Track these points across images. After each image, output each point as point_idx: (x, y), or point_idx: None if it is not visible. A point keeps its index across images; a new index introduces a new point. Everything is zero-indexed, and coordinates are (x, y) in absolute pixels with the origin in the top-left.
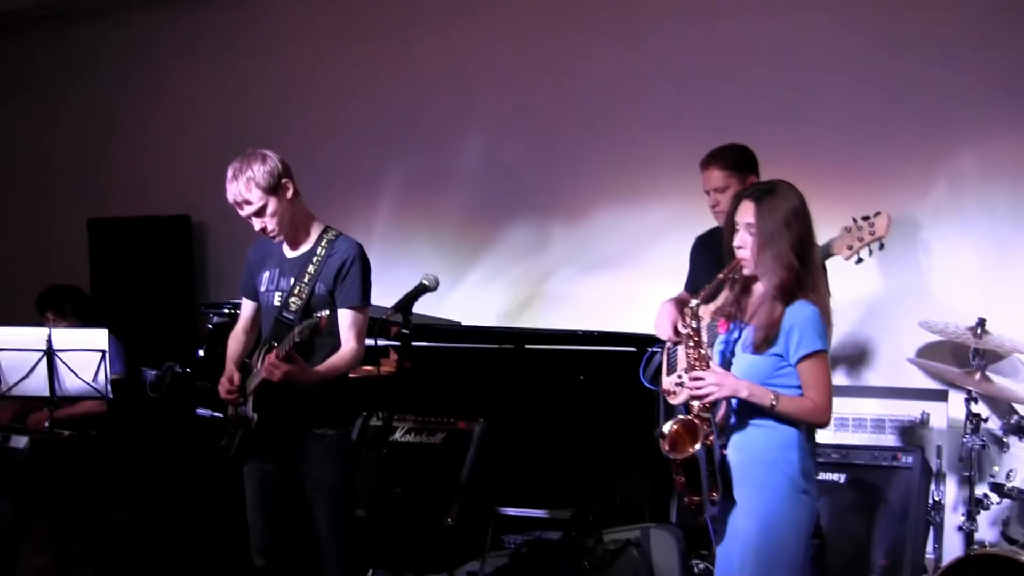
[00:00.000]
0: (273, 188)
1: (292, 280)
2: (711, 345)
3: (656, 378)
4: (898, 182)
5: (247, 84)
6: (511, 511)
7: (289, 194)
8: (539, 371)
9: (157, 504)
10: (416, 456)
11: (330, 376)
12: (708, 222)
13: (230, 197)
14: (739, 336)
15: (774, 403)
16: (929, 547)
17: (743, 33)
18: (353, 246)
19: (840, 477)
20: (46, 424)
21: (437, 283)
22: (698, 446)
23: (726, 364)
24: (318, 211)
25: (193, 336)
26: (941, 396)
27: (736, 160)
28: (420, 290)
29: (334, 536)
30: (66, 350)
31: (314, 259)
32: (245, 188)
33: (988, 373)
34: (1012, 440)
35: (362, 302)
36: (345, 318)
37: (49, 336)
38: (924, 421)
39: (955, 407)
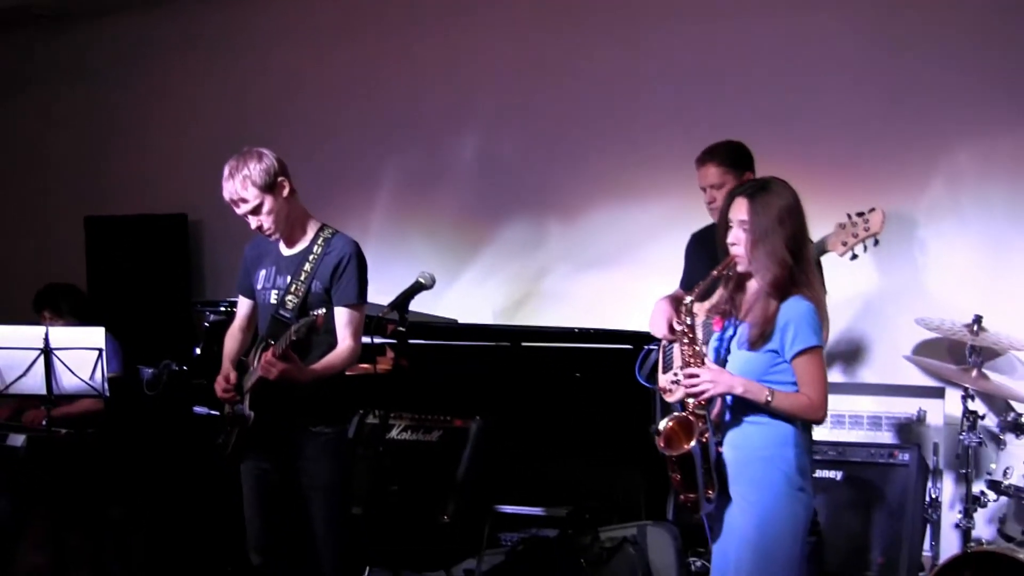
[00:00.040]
0: (269, 186)
1: (288, 278)
2: (706, 343)
3: (652, 376)
4: (896, 180)
5: (245, 83)
6: (508, 509)
7: (285, 192)
8: (536, 369)
9: (154, 502)
10: (413, 454)
11: (327, 374)
12: (704, 220)
13: (226, 195)
14: (734, 333)
15: (769, 399)
16: (926, 544)
17: (740, 32)
18: (349, 244)
19: (837, 474)
20: (43, 422)
21: (433, 281)
22: (693, 443)
23: (721, 362)
24: (315, 209)
25: (190, 334)
26: (938, 393)
27: (732, 157)
28: (416, 288)
29: (330, 534)
30: (63, 348)
31: (310, 257)
32: (241, 186)
33: (985, 370)
34: (1009, 437)
35: (358, 300)
36: (341, 316)
37: (46, 334)
38: (921, 418)
39: (952, 404)
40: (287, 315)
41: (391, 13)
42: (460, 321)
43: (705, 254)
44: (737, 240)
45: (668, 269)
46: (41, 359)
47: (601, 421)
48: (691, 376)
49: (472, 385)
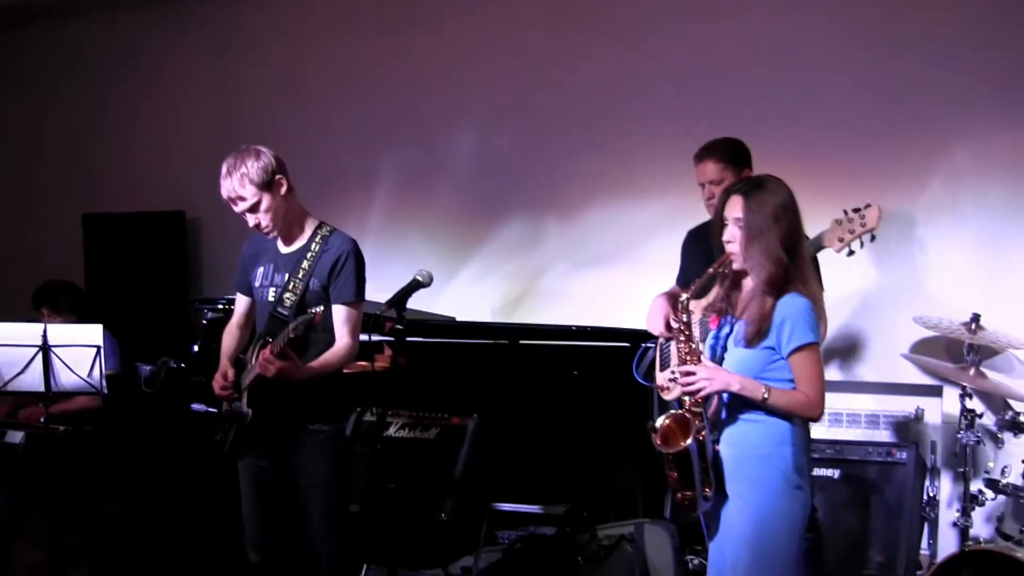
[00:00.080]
0: (267, 184)
1: (286, 276)
2: (703, 340)
3: (650, 374)
4: (895, 179)
5: (242, 80)
6: (505, 507)
7: (283, 190)
8: (533, 367)
9: (152, 499)
10: (410, 452)
11: (324, 372)
12: (702, 218)
13: (224, 193)
14: (730, 331)
15: (766, 396)
16: (924, 543)
17: (737, 31)
18: (347, 242)
19: (834, 473)
20: (41, 419)
21: (431, 279)
22: (690, 441)
23: (717, 360)
24: (312, 207)
25: (188, 332)
26: (936, 392)
27: (731, 153)
28: (414, 286)
29: (328, 531)
30: (61, 345)
31: (308, 255)
32: (239, 184)
33: (983, 369)
34: (1007, 436)
35: (356, 298)
36: (339, 314)
37: (44, 332)
38: (919, 417)
39: (950, 403)
40: (285, 313)
41: (389, 10)
42: (458, 319)
43: (701, 251)
44: (733, 238)
45: (666, 267)
46: (39, 356)
47: (599, 419)
48: (687, 374)
49: (470, 383)
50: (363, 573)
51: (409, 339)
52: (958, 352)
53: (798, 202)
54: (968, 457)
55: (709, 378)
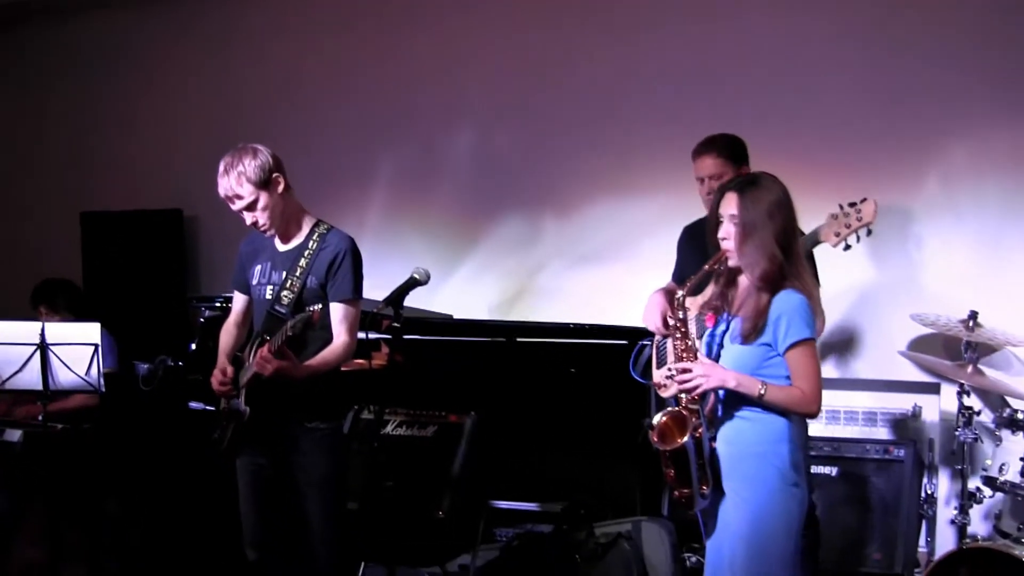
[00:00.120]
0: (264, 183)
1: (284, 274)
2: (699, 338)
3: (647, 372)
4: (892, 176)
5: (239, 78)
6: (503, 504)
7: (280, 188)
8: (530, 364)
9: (150, 497)
10: (408, 449)
11: (322, 370)
12: (699, 215)
13: (221, 192)
14: (727, 329)
15: (762, 392)
16: (921, 541)
17: (735, 29)
18: (345, 239)
19: (832, 470)
20: (39, 417)
21: (428, 277)
22: (687, 438)
23: (714, 358)
24: (310, 205)
25: (185, 330)
26: (933, 389)
27: (731, 149)
28: (411, 284)
29: (326, 529)
30: (59, 344)
31: (306, 253)
32: (236, 183)
33: (980, 366)
34: (1005, 433)
35: (354, 295)
36: (337, 311)
37: (42, 330)
38: (916, 414)
39: (947, 400)
40: (282, 311)
41: (387, 8)
42: (455, 317)
43: (697, 246)
44: (728, 234)
45: (663, 265)
46: (37, 354)
47: (596, 417)
48: (684, 371)
49: (467, 380)
50: (361, 571)
51: (406, 337)
52: (956, 349)
53: (797, 200)
54: (966, 454)
55: (706, 375)
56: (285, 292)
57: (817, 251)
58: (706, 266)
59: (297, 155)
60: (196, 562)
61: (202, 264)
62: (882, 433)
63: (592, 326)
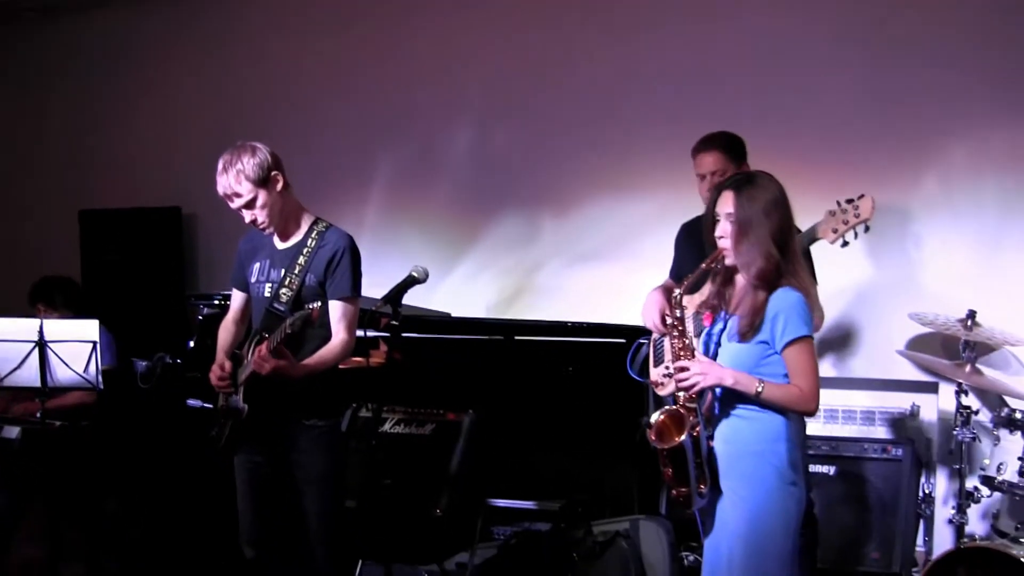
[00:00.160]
0: (263, 180)
1: (283, 271)
2: (697, 336)
3: (644, 370)
4: (890, 175)
5: (238, 76)
6: (500, 502)
7: (279, 186)
8: (529, 363)
9: (149, 494)
10: (406, 447)
11: (320, 369)
12: (698, 213)
13: (220, 189)
14: (724, 327)
15: (759, 390)
16: (919, 540)
17: (733, 28)
18: (343, 237)
19: (830, 469)
20: (37, 415)
21: (426, 275)
22: (684, 436)
23: (711, 357)
24: (309, 203)
25: (184, 327)
26: (931, 388)
27: (732, 146)
28: (410, 282)
29: (324, 527)
30: (57, 341)
31: (304, 250)
32: (235, 180)
33: (978, 365)
34: (1003, 433)
35: (352, 293)
36: (335, 309)
37: (41, 327)
38: (914, 413)
39: (945, 399)
40: (281, 308)
41: (387, 7)
42: (453, 315)
43: (695, 244)
44: (725, 233)
45: (661, 264)
46: (36, 352)
47: (594, 415)
48: (681, 369)
49: (465, 379)
50: (358, 569)
51: (405, 335)
52: (954, 349)
53: (797, 200)
54: (964, 454)
55: (703, 373)
56: (284, 290)
57: (815, 249)
58: (703, 265)
59: (296, 153)
60: (194, 559)
61: (201, 262)
62: (880, 432)
63: (590, 325)
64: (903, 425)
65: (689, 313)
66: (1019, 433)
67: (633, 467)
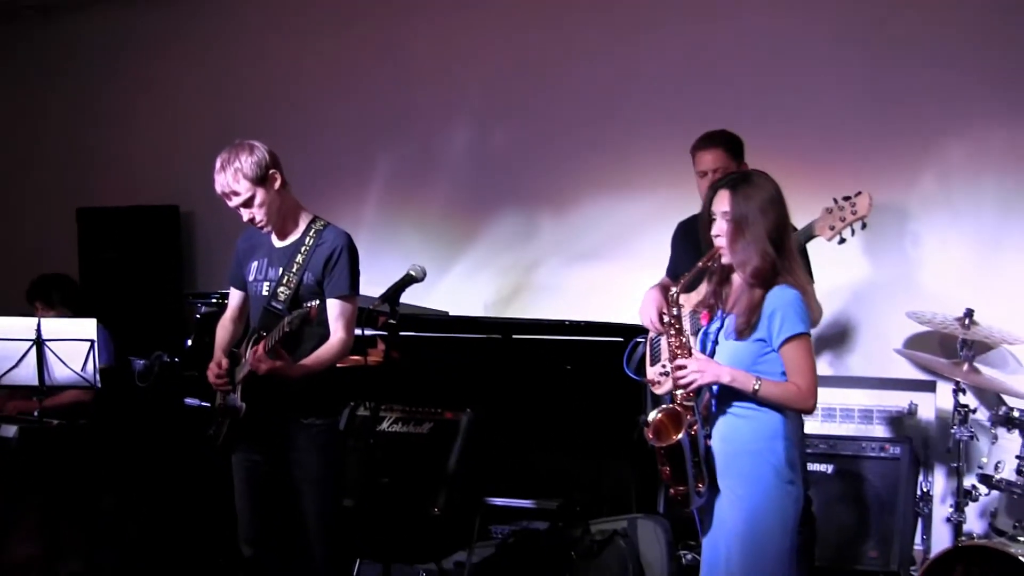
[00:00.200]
0: (261, 179)
1: (280, 270)
2: (694, 335)
3: (641, 368)
4: (889, 173)
5: (236, 74)
6: (498, 501)
7: (277, 185)
8: (526, 361)
9: (146, 493)
10: (403, 446)
11: (317, 368)
12: (695, 211)
13: (218, 188)
14: (721, 326)
15: (757, 388)
16: (917, 538)
17: (732, 27)
18: (341, 236)
19: (828, 468)
20: (34, 413)
21: (424, 274)
22: (682, 435)
23: (709, 354)
24: (307, 201)
25: (182, 326)
26: (929, 387)
27: (732, 144)
28: (407, 280)
29: (322, 526)
30: (55, 339)
31: (302, 249)
32: (233, 179)
33: (976, 364)
34: (1000, 431)
35: (350, 292)
36: (333, 308)
37: (38, 325)
38: (912, 412)
39: (943, 398)
40: (279, 307)
41: (386, 6)
42: (451, 313)
43: (691, 242)
44: (721, 231)
45: (659, 262)
46: (33, 350)
47: (592, 414)
48: (678, 367)
49: (463, 377)
50: (356, 568)
51: (402, 334)
52: (952, 347)
53: (797, 199)
54: (962, 452)
55: (700, 370)
56: (282, 288)
57: (812, 248)
58: (700, 263)
59: (295, 152)
60: (192, 558)
61: (198, 260)
62: (878, 431)
63: (588, 323)
64: (901, 424)
65: (686, 311)
66: (1017, 431)
67: (631, 466)
